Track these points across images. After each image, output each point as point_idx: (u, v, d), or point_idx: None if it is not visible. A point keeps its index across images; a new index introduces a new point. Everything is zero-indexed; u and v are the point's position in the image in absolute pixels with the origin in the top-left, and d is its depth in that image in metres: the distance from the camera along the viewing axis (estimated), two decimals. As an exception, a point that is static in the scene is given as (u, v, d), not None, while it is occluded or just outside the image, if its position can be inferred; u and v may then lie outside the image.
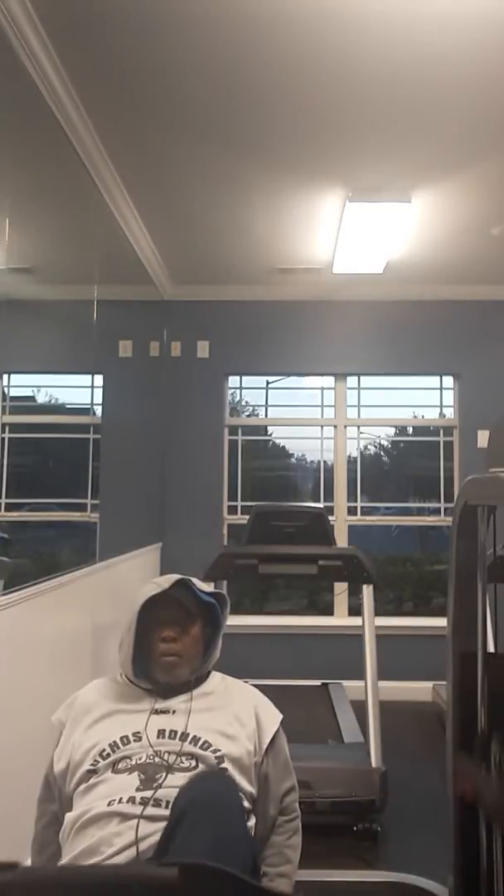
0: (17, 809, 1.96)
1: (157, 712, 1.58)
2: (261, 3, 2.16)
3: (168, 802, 1.38)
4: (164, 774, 1.44)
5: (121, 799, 1.40)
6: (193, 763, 1.48)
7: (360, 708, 3.22)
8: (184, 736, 1.52)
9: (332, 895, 2.02)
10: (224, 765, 1.50)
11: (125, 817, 1.36)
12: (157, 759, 1.46)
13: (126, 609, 1.68)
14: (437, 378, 5.13)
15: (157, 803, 1.38)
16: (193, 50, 2.40)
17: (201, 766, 1.48)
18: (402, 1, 2.14)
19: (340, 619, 4.89)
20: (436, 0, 2.13)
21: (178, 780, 1.42)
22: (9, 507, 2.61)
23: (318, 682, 4.18)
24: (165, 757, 1.47)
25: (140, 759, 1.47)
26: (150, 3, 2.17)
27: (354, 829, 2.77)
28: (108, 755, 1.49)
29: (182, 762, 1.47)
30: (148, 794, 1.40)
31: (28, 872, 1.22)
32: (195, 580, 1.73)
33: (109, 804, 1.39)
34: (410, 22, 2.23)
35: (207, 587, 1.74)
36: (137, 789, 1.41)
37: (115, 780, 1.44)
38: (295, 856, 1.61)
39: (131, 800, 1.39)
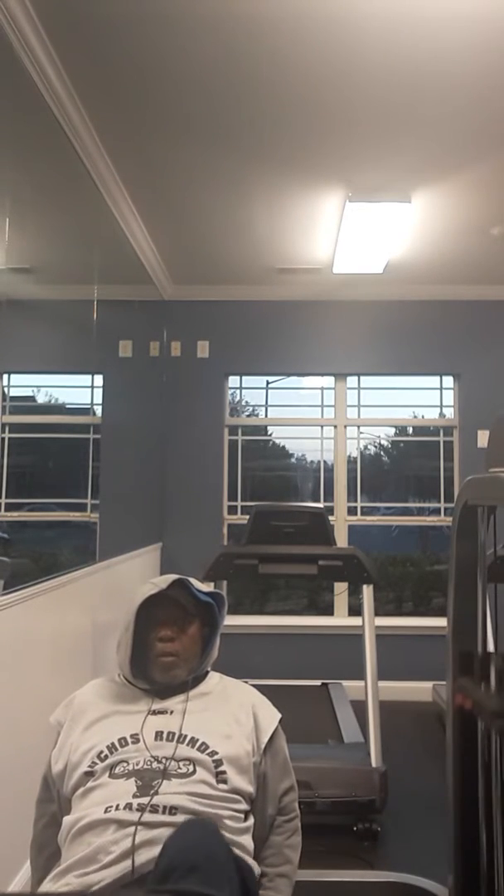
0: (16, 810, 1.96)
1: (154, 713, 1.57)
2: (261, 4, 2.16)
3: (165, 808, 1.37)
4: (160, 780, 1.43)
5: (118, 805, 1.38)
6: (191, 768, 1.47)
7: (360, 708, 3.22)
8: (181, 737, 1.52)
9: (332, 895, 2.01)
10: (222, 766, 1.50)
11: (122, 824, 1.35)
12: (154, 765, 1.46)
13: (125, 609, 1.68)
14: (437, 378, 5.13)
15: (153, 809, 1.37)
16: (193, 50, 2.40)
17: (198, 771, 1.47)
18: (402, 1, 2.14)
19: (340, 619, 4.90)
20: (436, 0, 2.14)
21: (175, 786, 1.42)
22: (9, 507, 2.61)
23: (318, 682, 4.18)
24: (162, 762, 1.46)
25: (137, 763, 1.46)
26: (151, 4, 2.17)
27: (354, 829, 2.77)
28: (106, 757, 1.48)
29: (179, 768, 1.47)
30: (145, 800, 1.39)
31: None
32: (193, 580, 1.73)
33: (106, 811, 1.38)
34: (410, 22, 2.23)
35: (205, 587, 1.74)
36: (134, 795, 1.40)
37: (111, 785, 1.44)
38: (294, 856, 1.60)
39: (128, 806, 1.38)
